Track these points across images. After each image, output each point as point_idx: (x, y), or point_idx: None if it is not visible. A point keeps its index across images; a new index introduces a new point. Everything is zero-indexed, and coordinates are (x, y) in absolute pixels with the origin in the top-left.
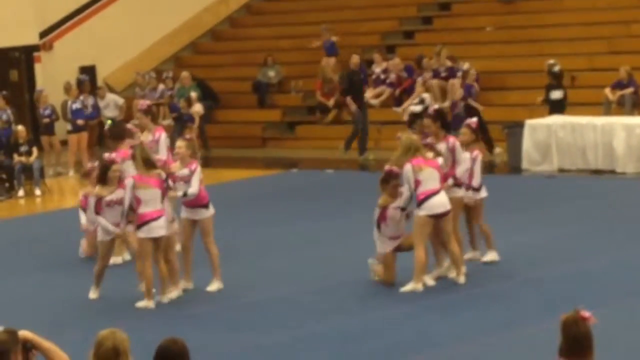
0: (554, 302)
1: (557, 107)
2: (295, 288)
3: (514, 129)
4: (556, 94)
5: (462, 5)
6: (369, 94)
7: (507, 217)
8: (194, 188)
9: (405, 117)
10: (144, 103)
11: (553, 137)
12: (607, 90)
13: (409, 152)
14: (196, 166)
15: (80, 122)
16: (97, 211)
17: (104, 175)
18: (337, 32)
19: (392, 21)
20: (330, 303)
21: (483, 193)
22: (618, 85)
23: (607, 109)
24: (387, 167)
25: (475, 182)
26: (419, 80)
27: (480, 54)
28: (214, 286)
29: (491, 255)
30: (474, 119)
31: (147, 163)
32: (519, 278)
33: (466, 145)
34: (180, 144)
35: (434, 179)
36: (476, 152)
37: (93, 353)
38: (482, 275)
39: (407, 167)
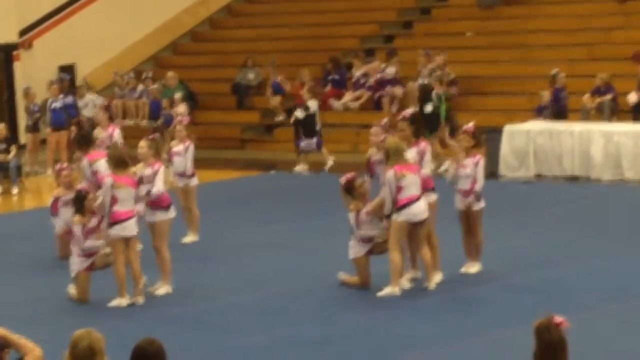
0: (531, 308)
1: (430, 121)
2: (273, 290)
3: (493, 134)
4: (427, 108)
5: (442, 10)
6: (347, 97)
7: (485, 223)
8: (157, 187)
9: (291, 120)
10: (105, 101)
11: (531, 143)
12: (586, 97)
13: (397, 155)
14: (159, 166)
15: (61, 120)
16: (86, 238)
17: (81, 206)
18: (317, 35)
19: (372, 25)
20: (308, 306)
21: (482, 203)
22: (597, 92)
23: (586, 115)
24: (345, 176)
25: (478, 186)
26: (306, 87)
27: (460, 59)
28: (162, 290)
29: (477, 267)
30: (471, 124)
31: (120, 163)
32: (497, 283)
33: (466, 151)
34: (142, 144)
35: (415, 184)
36: (478, 157)
37: (69, 353)
38: (459, 280)
39: (390, 174)
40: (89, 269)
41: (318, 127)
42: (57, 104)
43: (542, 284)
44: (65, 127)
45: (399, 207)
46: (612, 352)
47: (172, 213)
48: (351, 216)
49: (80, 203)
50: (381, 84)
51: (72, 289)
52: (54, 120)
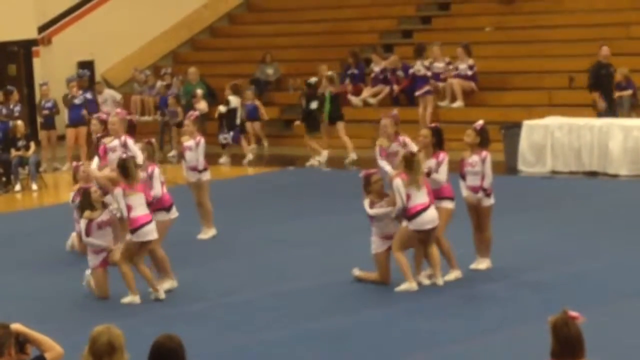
0: (550, 303)
1: (313, 117)
2: (290, 286)
3: (512, 130)
4: (312, 105)
5: (461, 5)
6: (365, 92)
7: (502, 218)
8: (156, 190)
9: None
10: (121, 112)
11: (549, 138)
12: None
13: (415, 169)
14: (153, 169)
15: (79, 116)
16: (88, 234)
17: (89, 201)
18: (335, 31)
19: (390, 20)
20: (325, 301)
21: (492, 199)
22: (616, 87)
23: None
24: (363, 172)
25: (487, 183)
26: (228, 84)
27: (479, 55)
28: (167, 284)
29: (486, 263)
30: (480, 122)
31: (125, 172)
32: (513, 279)
33: (472, 148)
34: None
35: (422, 192)
36: (485, 154)
37: (88, 348)
38: (477, 276)
39: (398, 181)
40: (103, 265)
41: (238, 121)
42: (77, 101)
43: (559, 280)
44: (84, 123)
45: (410, 215)
46: (629, 347)
47: (173, 214)
48: (365, 205)
49: (87, 199)
50: (413, 79)
51: (90, 280)
52: (72, 116)
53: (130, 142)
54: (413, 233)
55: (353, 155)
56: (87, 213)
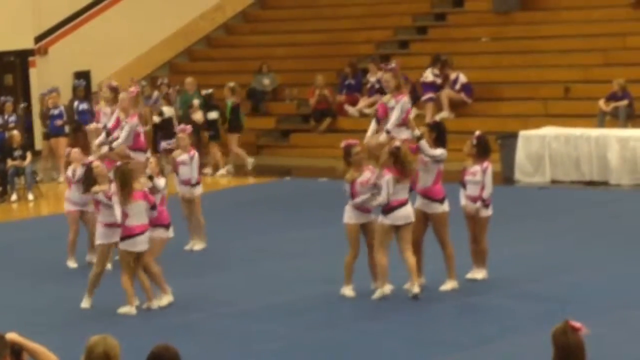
0: (548, 314)
1: (213, 126)
2: (286, 297)
3: (508, 140)
4: (211, 115)
5: (457, 15)
6: (362, 103)
7: (501, 228)
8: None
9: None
10: (134, 90)
11: (546, 148)
12: (601, 102)
13: (404, 160)
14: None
15: (58, 125)
16: (110, 199)
17: (92, 177)
18: (331, 41)
19: (387, 31)
20: (321, 312)
21: (490, 210)
22: (612, 97)
23: (602, 120)
24: (343, 142)
25: (486, 194)
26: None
27: (475, 65)
28: (165, 300)
29: (482, 274)
30: (477, 133)
31: (124, 180)
32: (511, 290)
33: (472, 158)
34: (152, 159)
35: (404, 189)
36: (486, 164)
37: (84, 358)
38: (474, 286)
39: (389, 177)
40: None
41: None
42: (55, 112)
43: (558, 291)
44: (63, 134)
45: (386, 209)
46: (629, 358)
47: (170, 233)
48: (347, 186)
49: (90, 175)
50: (419, 86)
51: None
52: (50, 127)
53: (135, 121)
54: (388, 228)
55: (251, 160)
56: (96, 187)
